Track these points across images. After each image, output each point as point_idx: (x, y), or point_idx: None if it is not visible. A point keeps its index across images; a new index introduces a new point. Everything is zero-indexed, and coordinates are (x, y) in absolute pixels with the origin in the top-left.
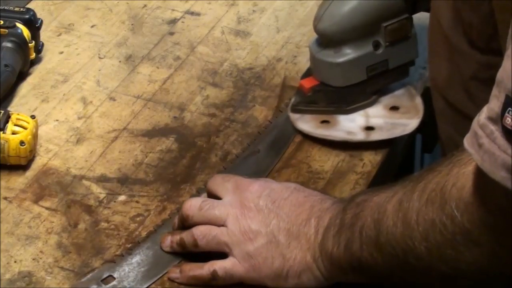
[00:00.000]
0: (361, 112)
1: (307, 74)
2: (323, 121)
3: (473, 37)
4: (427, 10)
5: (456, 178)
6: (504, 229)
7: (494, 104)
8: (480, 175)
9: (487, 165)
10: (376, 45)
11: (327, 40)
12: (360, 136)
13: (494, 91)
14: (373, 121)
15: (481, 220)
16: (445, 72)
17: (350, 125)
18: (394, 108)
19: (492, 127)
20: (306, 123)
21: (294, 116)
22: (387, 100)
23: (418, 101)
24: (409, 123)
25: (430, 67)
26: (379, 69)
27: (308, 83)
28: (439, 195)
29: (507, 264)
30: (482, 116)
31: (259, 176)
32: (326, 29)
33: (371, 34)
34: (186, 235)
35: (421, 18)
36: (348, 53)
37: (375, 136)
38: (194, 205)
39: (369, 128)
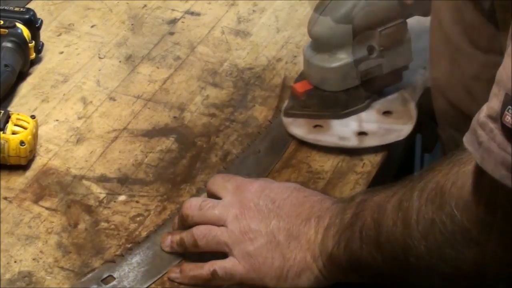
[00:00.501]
0: (354, 117)
1: (300, 78)
2: (316, 126)
3: (475, 36)
4: (423, 14)
5: (456, 177)
6: (504, 228)
7: (494, 102)
8: (480, 174)
9: (487, 164)
10: (371, 50)
11: (321, 44)
12: (353, 142)
13: (494, 89)
14: (366, 126)
15: (481, 219)
16: (446, 72)
17: (343, 129)
18: (387, 113)
19: (491, 125)
20: (299, 128)
21: (287, 121)
22: (380, 104)
23: (411, 106)
24: (402, 128)
25: (431, 67)
26: (373, 73)
27: (301, 87)
28: (438, 194)
29: (507, 263)
30: (481, 115)
31: (259, 176)
32: (321, 33)
33: (365, 38)
34: (186, 235)
35: (421, 18)
36: (343, 58)
37: (369, 142)
38: (194, 205)
39: (362, 133)
